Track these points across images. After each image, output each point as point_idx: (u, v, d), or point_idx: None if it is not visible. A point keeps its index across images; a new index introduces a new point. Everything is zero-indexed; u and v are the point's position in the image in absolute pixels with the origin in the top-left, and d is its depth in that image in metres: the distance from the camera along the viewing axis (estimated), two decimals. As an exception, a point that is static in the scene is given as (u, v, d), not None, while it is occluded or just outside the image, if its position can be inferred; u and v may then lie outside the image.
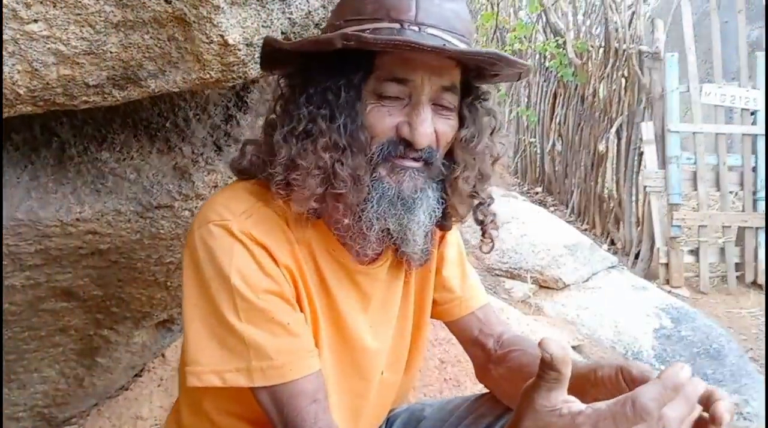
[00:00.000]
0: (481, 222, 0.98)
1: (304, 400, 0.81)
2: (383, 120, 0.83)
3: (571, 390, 0.60)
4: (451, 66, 0.86)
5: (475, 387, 1.96)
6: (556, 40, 5.03)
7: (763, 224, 4.13)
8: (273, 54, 0.87)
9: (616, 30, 4.53)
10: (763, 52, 4.24)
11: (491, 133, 0.94)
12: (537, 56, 5.68)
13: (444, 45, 0.79)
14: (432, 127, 0.84)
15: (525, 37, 5.40)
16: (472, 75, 0.91)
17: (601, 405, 0.56)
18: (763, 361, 3.18)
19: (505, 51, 5.61)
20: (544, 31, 5.40)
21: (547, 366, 0.57)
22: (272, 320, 0.82)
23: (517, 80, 0.98)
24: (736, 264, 4.14)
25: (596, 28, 4.92)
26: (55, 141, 1.14)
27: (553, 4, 5.09)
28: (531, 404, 0.59)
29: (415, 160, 0.85)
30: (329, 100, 0.82)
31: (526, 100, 6.00)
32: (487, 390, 1.09)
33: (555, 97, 5.54)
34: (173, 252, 1.35)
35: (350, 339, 0.95)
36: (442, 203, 0.91)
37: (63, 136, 1.15)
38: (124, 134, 1.22)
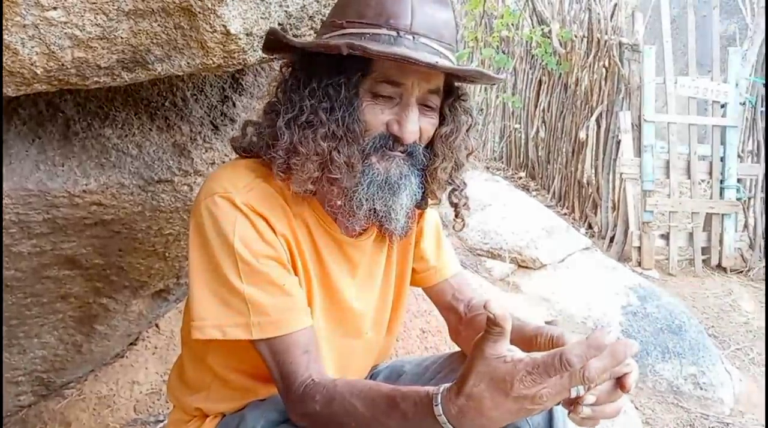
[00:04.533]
0: (455, 205, 1.09)
1: (297, 351, 0.91)
2: (376, 117, 0.93)
3: (520, 347, 0.73)
4: (438, 73, 0.96)
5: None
6: (542, 29, 5.11)
7: (729, 211, 4.29)
8: (277, 43, 0.96)
9: (599, 21, 4.62)
10: (736, 47, 4.39)
11: (468, 130, 1.05)
12: (523, 43, 5.76)
13: (436, 62, 0.89)
14: (417, 126, 0.95)
15: (512, 24, 5.45)
16: (453, 78, 1.02)
17: (537, 355, 0.68)
18: (722, 337, 3.37)
19: (492, 37, 5.70)
20: (531, 19, 5.47)
21: (491, 323, 0.69)
22: (270, 282, 0.92)
23: (491, 85, 1.09)
24: (703, 248, 4.32)
25: (580, 18, 5.01)
26: (60, 117, 1.21)
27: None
28: (481, 353, 0.71)
29: (401, 151, 0.96)
30: (330, 95, 0.91)
31: (512, 86, 6.09)
32: (459, 349, 1.20)
33: (540, 84, 5.61)
34: (172, 224, 1.43)
35: (339, 301, 1.05)
36: (422, 187, 1.02)
37: (67, 112, 1.22)
38: (125, 112, 1.29)
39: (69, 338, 1.71)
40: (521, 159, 6.17)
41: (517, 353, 0.71)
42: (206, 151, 1.37)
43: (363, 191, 0.94)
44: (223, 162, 1.41)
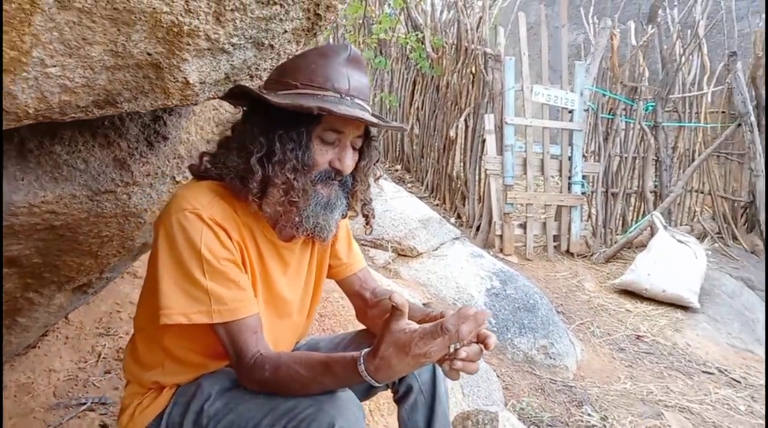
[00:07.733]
0: (366, 216, 1.42)
1: (248, 332, 1.19)
2: (323, 157, 1.24)
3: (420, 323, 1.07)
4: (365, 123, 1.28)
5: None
6: (416, 34, 5.55)
7: (575, 203, 4.92)
8: (244, 95, 1.24)
9: (467, 32, 5.12)
10: (581, 61, 5.06)
11: (376, 162, 1.39)
12: (399, 45, 6.17)
13: (379, 122, 1.23)
14: (353, 162, 1.27)
15: (389, 28, 5.84)
16: (372, 126, 1.33)
17: (427, 326, 1.03)
18: (569, 314, 3.86)
19: (371, 40, 6.05)
20: (406, 25, 5.88)
21: (394, 309, 1.03)
22: (228, 279, 1.18)
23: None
24: (554, 236, 4.91)
25: (450, 28, 5.49)
26: (15, 136, 1.37)
27: (415, 3, 5.59)
28: (388, 328, 1.05)
29: (338, 181, 1.28)
30: (294, 139, 1.20)
31: (389, 85, 6.49)
32: (364, 327, 1.54)
33: (414, 84, 6.06)
34: (110, 227, 1.61)
35: (275, 292, 1.34)
36: (347, 206, 1.34)
37: (21, 131, 1.36)
38: (70, 130, 1.44)
39: (-11, 330, 1.82)
40: (397, 153, 6.61)
41: (413, 326, 1.05)
42: (143, 165, 1.57)
43: (311, 209, 1.25)
44: (157, 174, 1.62)
